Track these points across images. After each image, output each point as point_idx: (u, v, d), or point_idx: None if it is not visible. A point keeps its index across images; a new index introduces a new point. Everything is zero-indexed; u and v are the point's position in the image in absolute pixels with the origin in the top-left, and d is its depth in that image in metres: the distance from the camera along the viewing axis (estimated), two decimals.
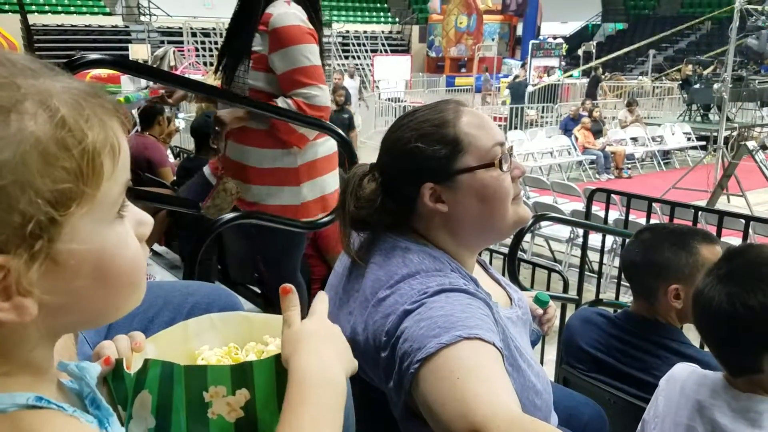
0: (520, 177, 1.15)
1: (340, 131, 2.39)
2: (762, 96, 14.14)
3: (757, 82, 13.99)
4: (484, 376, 0.86)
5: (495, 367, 0.88)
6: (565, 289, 3.75)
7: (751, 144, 7.81)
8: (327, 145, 2.40)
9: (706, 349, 1.68)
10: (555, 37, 21.95)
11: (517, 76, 17.41)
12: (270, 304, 3.17)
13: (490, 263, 2.59)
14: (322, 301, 0.80)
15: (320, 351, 0.71)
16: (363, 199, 1.13)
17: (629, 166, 11.27)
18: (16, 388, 0.51)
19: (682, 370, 1.33)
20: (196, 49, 18.96)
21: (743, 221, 3.91)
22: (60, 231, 0.49)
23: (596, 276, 4.63)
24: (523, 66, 19.25)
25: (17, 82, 0.49)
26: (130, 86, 10.32)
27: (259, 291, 3.36)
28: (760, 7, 12.16)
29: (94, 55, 1.81)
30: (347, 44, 25.26)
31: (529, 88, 15.36)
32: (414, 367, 0.90)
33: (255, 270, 3.41)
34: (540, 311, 1.39)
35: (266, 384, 0.69)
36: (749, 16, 11.71)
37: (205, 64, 18.66)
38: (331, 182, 2.42)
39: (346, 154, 2.13)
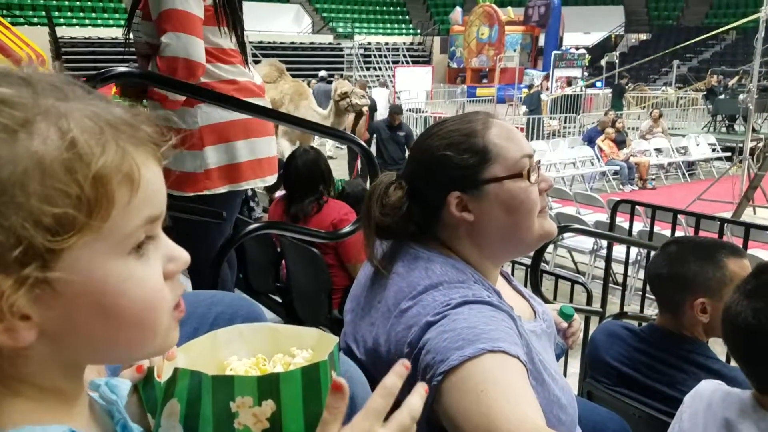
0: (547, 190, 1.14)
1: (362, 142, 2.40)
2: None
3: None
4: (508, 390, 0.85)
5: (519, 381, 0.88)
6: (589, 302, 3.71)
7: None
8: None
9: (733, 363, 1.66)
10: (578, 48, 21.84)
11: (531, 86, 17.41)
12: (291, 313, 3.18)
13: (512, 275, 2.58)
14: (383, 395, 0.63)
15: None
16: (388, 206, 1.12)
17: (653, 177, 11.15)
18: (49, 419, 0.50)
19: (707, 387, 1.31)
20: None
21: None
22: (56, 258, 0.47)
23: (620, 288, 4.58)
24: (546, 78, 19.18)
25: (35, 102, 0.47)
26: None
27: (280, 300, 3.37)
28: None
29: (121, 68, 1.84)
30: (369, 56, 25.41)
31: (543, 96, 15.31)
32: (437, 380, 0.89)
33: (276, 279, 3.43)
34: (564, 324, 1.37)
35: (293, 396, 0.69)
36: None
37: None
38: (243, 150, 2.16)
39: (369, 166, 2.13)
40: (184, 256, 0.57)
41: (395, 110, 8.57)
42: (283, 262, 3.33)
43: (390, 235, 1.16)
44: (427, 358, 0.93)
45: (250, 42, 20.62)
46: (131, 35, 2.11)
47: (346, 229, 2.12)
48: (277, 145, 2.60)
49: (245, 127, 2.16)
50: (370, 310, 1.12)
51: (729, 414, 1.21)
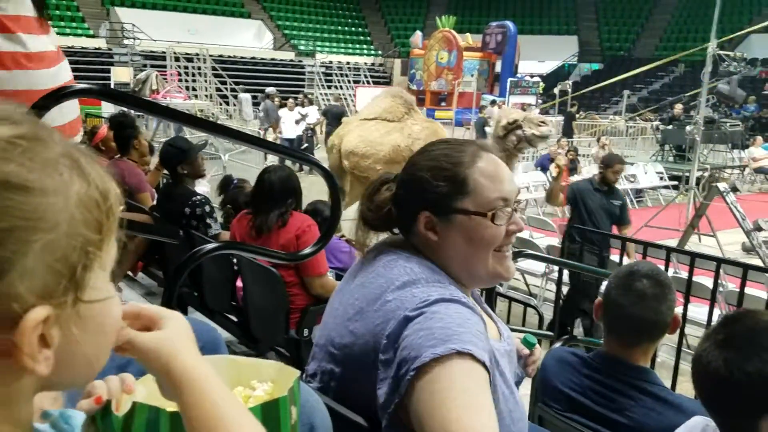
0: (516, 233, 1.19)
1: (324, 165, 2.42)
2: (733, 138, 14.54)
3: (728, 125, 14.41)
4: (468, 400, 0.90)
5: (480, 390, 0.93)
6: (540, 325, 3.80)
7: (722, 186, 7.98)
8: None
9: (678, 390, 1.72)
10: (532, 76, 22.34)
11: (481, 109, 17.96)
12: (246, 333, 3.15)
13: None
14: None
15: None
16: (374, 203, 1.23)
17: None
18: None
19: (696, 422, 1.34)
20: (179, 74, 18.96)
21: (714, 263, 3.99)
22: (84, 280, 0.52)
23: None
24: (492, 103, 19.63)
25: (57, 145, 0.53)
26: (110, 108, 10.27)
27: (235, 319, 3.34)
28: (732, 53, 12.56)
29: (81, 85, 1.83)
30: (330, 74, 25.50)
31: (488, 129, 15.68)
32: (410, 375, 0.95)
33: (232, 297, 3.40)
34: (526, 351, 1.41)
35: None
36: (721, 61, 12.07)
37: (187, 88, 18.65)
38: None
39: (332, 193, 2.13)
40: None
41: (613, 160, 5.27)
42: (240, 280, 3.30)
43: (373, 228, 1.25)
44: (404, 353, 0.98)
45: (211, 56, 20.53)
46: None
47: (307, 250, 2.12)
48: None
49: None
50: (348, 308, 1.16)
51: None
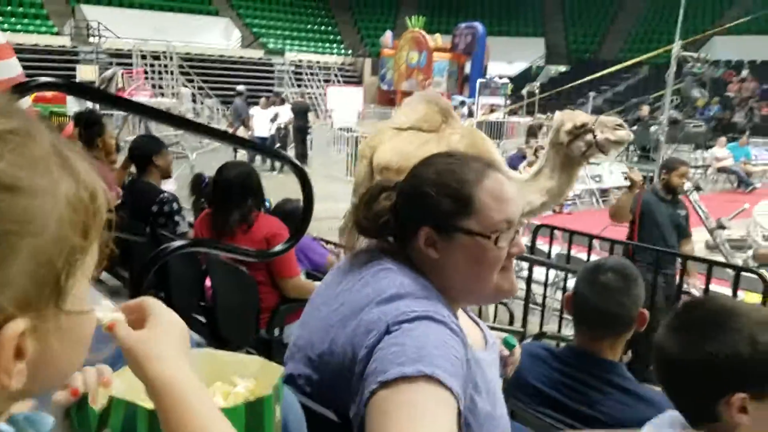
0: (517, 254, 1.16)
1: (296, 161, 2.39)
2: (696, 139, 14.89)
3: (691, 125, 14.75)
4: (424, 425, 0.87)
5: (439, 417, 0.90)
6: (511, 321, 3.84)
7: (686, 185, 8.13)
8: None
9: (648, 385, 1.74)
10: (501, 77, 22.55)
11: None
12: (215, 334, 3.11)
13: None
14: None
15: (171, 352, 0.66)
16: (372, 212, 1.18)
17: (569, 202, 11.59)
18: None
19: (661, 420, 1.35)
20: (145, 72, 18.68)
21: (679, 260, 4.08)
22: (68, 289, 0.49)
23: (540, 308, 4.74)
24: (462, 104, 19.80)
25: (50, 146, 0.50)
26: (75, 106, 10.08)
27: (204, 320, 3.29)
28: (695, 54, 12.85)
29: (44, 78, 1.77)
30: (300, 73, 25.39)
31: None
32: (372, 388, 0.92)
33: (201, 299, 3.35)
34: (506, 352, 1.41)
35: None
36: (685, 62, 12.33)
37: (154, 86, 18.40)
38: None
39: (303, 191, 2.12)
40: None
41: (675, 162, 5.07)
42: (208, 280, 3.26)
43: (367, 235, 1.21)
44: (373, 366, 0.96)
45: (177, 54, 20.28)
46: None
47: (278, 247, 2.10)
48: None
49: None
50: (330, 313, 1.13)
51: None
